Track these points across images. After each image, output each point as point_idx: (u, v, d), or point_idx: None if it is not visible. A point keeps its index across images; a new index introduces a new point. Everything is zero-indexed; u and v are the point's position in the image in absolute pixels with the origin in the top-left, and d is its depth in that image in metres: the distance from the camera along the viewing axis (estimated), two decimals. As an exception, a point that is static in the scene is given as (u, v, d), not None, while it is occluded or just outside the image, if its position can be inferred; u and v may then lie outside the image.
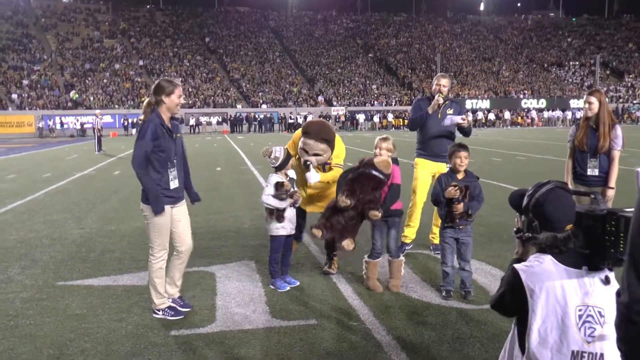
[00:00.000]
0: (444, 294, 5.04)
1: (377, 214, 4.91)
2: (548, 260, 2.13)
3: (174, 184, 4.61)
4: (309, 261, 6.27)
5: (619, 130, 5.36)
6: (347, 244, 4.96)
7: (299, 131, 5.85)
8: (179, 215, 4.72)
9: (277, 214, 5.21)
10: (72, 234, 7.90)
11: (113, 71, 54.69)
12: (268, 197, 5.17)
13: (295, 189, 5.33)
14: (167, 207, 4.55)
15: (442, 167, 6.19)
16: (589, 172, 5.40)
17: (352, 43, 70.95)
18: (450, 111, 6.47)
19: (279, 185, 5.17)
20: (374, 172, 5.04)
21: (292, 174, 5.43)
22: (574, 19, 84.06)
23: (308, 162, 5.52)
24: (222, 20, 71.09)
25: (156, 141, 4.44)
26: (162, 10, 71.34)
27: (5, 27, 57.45)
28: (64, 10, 64.51)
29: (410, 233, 6.52)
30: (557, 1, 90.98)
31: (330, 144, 5.59)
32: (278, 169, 5.28)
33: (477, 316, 4.56)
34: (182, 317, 4.63)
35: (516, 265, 2.18)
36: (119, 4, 69.02)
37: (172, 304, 4.75)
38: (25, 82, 50.38)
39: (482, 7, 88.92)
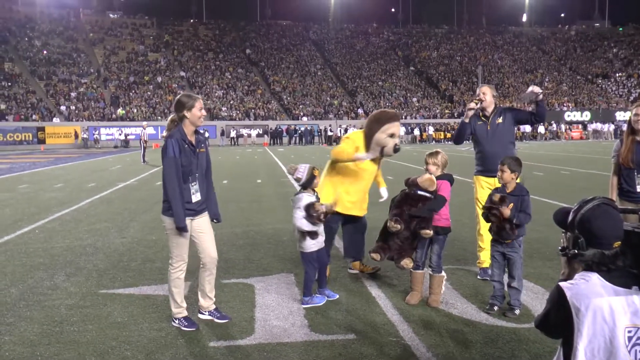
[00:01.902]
0: (487, 306, 5.01)
1: (429, 232, 5.03)
2: (595, 279, 2.06)
3: (195, 197, 4.65)
4: (347, 275, 6.23)
5: None
6: (406, 262, 5.17)
7: (356, 132, 5.91)
8: (200, 227, 4.75)
9: (312, 234, 5.14)
10: (115, 243, 8.06)
11: (156, 84, 55.92)
12: (302, 222, 5.06)
13: (325, 206, 5.16)
14: (187, 220, 4.59)
15: (497, 182, 5.97)
16: (638, 189, 5.16)
17: (393, 56, 70.86)
18: (499, 120, 6.06)
19: (310, 207, 5.04)
20: (420, 192, 5.06)
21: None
22: (620, 29, 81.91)
23: (398, 146, 5.73)
24: (264, 33, 71.98)
25: (179, 156, 4.52)
26: (205, 24, 72.70)
27: (57, 42, 59.52)
28: (111, 25, 66.47)
29: (485, 257, 6.02)
30: (603, 11, 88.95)
31: None
32: (304, 186, 5.18)
33: (519, 335, 4.45)
34: (194, 329, 4.65)
35: (561, 283, 2.11)
36: (164, 18, 70.79)
37: (188, 315, 4.80)
38: (73, 94, 51.98)
39: (524, 18, 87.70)
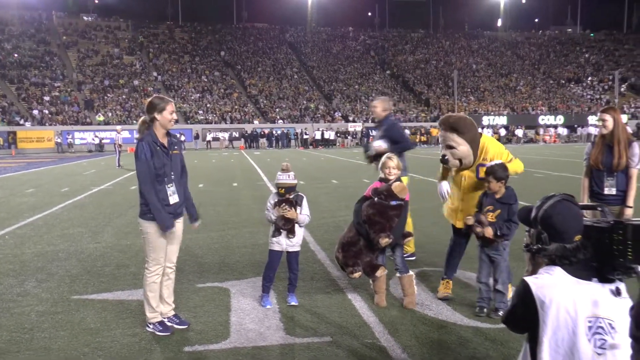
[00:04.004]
0: (476, 309, 5.03)
1: (388, 240, 5.04)
2: (558, 272, 2.15)
3: (173, 199, 4.64)
4: (324, 278, 6.23)
5: (636, 148, 5.23)
6: (380, 272, 5.19)
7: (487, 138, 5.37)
8: (173, 232, 4.74)
9: (285, 228, 5.21)
10: (88, 248, 7.95)
11: (132, 87, 55.35)
12: (266, 213, 5.34)
13: (287, 208, 5.16)
14: None
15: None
16: (606, 190, 5.29)
17: (370, 59, 71.16)
18: (380, 131, 6.95)
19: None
20: (395, 202, 5.07)
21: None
22: (592, 35, 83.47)
23: (446, 157, 5.14)
24: (240, 36, 71.72)
25: (151, 158, 4.50)
26: (181, 27, 72.15)
27: (28, 45, 58.52)
28: (85, 28, 65.58)
29: None
30: (575, 16, 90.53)
31: (465, 137, 5.04)
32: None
33: (493, 335, 4.50)
34: (169, 333, 4.61)
35: (526, 278, 2.21)
36: (139, 21, 70.03)
37: (165, 320, 4.76)
38: (46, 98, 51.17)
39: (499, 23, 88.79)
